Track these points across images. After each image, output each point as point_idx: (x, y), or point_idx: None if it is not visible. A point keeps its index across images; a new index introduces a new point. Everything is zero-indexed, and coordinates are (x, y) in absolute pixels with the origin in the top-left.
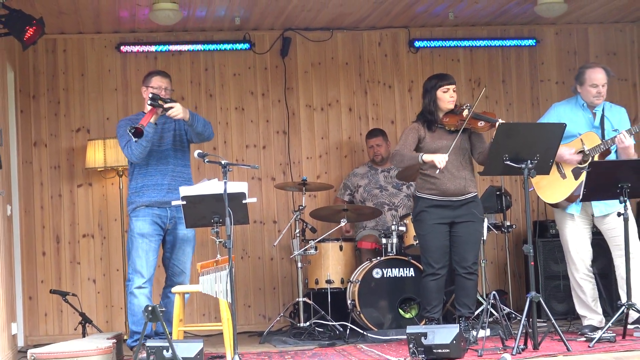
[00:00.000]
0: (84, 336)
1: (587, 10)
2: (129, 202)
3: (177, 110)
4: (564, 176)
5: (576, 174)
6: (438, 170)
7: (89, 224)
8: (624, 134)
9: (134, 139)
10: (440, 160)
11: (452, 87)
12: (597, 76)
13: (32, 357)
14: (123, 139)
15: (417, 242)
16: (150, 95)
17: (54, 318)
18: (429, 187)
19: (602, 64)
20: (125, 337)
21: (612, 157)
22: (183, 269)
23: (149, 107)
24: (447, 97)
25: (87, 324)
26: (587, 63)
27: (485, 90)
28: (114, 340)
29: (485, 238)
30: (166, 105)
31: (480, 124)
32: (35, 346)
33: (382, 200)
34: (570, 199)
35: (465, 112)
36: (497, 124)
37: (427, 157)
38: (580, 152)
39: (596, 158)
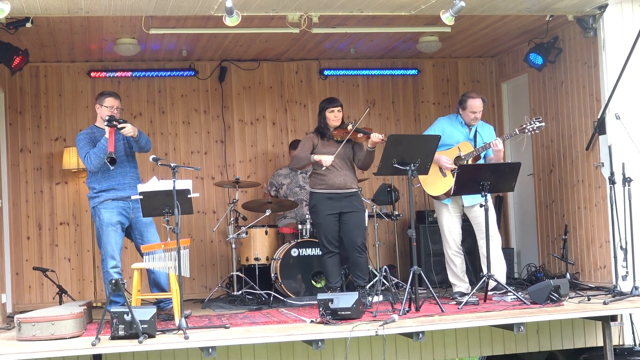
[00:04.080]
0: (60, 304)
1: (457, 47)
2: (93, 197)
3: (129, 130)
4: (444, 175)
5: (454, 174)
6: (324, 167)
7: (65, 214)
8: (498, 140)
9: (112, 167)
10: (326, 159)
11: (336, 109)
12: (477, 104)
13: (18, 321)
14: (82, 151)
15: None
16: (107, 118)
17: (36, 290)
18: (320, 183)
19: (480, 94)
20: (94, 305)
21: (480, 162)
22: None
23: (105, 126)
24: (332, 117)
25: (63, 294)
26: (470, 92)
27: (368, 111)
28: (85, 307)
29: (375, 224)
30: (120, 126)
31: (360, 135)
32: (21, 312)
33: (301, 197)
34: (447, 194)
35: (350, 127)
36: (372, 135)
37: (316, 157)
38: (457, 157)
39: (470, 161)
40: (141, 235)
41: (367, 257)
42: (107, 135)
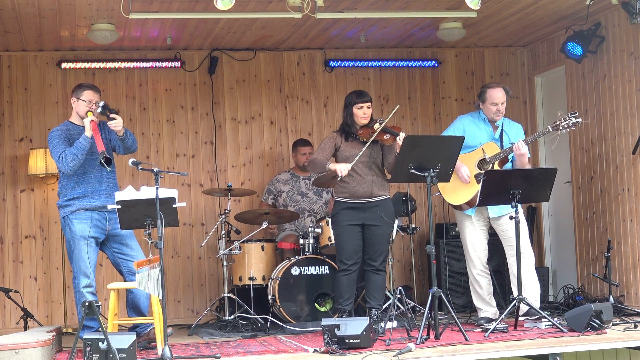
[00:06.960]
0: (25, 330)
1: (483, 35)
2: (64, 205)
3: (119, 123)
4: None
5: (478, 180)
6: (339, 178)
7: (31, 226)
8: (521, 143)
9: (108, 168)
10: (342, 169)
11: (366, 104)
12: (497, 95)
13: None
14: (57, 150)
15: (332, 242)
16: (102, 104)
17: None
18: (342, 191)
19: (502, 84)
20: (64, 330)
21: (508, 165)
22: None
23: (99, 114)
24: (360, 114)
25: (28, 318)
26: (489, 83)
27: (399, 107)
28: (54, 333)
29: (394, 238)
30: (112, 115)
31: (386, 136)
32: None
33: (303, 207)
34: (470, 203)
35: (377, 126)
36: (398, 137)
37: (332, 166)
38: (481, 160)
39: (496, 165)
40: (120, 248)
41: (385, 277)
42: (87, 134)
